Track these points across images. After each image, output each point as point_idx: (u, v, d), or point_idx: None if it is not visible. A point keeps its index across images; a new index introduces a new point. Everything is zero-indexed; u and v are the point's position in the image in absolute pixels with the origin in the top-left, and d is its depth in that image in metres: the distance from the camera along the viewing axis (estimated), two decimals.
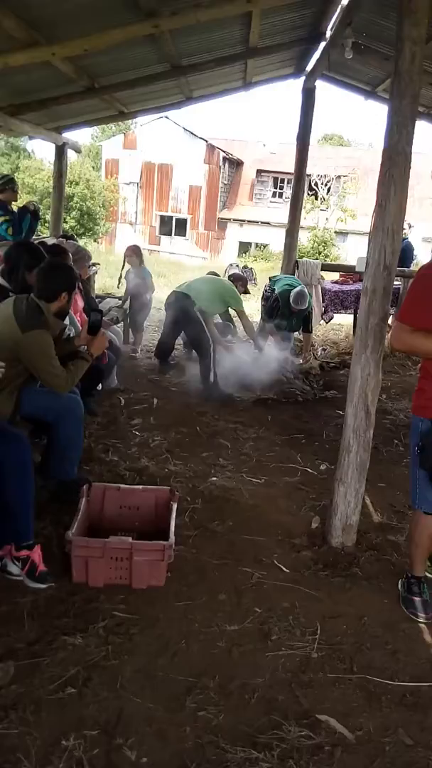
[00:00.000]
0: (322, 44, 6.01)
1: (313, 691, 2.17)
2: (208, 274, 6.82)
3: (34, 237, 5.98)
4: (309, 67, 6.84)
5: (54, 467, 3.21)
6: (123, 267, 6.64)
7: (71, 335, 3.59)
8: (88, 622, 2.38)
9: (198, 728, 1.96)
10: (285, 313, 6.16)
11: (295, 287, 6.09)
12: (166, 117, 26.14)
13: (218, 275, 6.78)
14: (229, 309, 6.06)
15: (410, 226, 8.18)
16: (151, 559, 2.62)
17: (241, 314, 5.81)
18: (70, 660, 2.18)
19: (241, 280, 6.31)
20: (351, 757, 1.90)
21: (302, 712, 2.06)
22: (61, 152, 7.60)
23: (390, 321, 7.84)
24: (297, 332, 6.83)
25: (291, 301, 5.96)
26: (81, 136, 68.97)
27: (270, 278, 6.88)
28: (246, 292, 6.42)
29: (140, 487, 3.21)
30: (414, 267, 9.02)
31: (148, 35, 4.32)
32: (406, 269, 7.73)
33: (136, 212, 29.77)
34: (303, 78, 7.04)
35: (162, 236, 29.70)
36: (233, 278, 6.27)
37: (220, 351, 5.65)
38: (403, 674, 2.30)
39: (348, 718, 2.06)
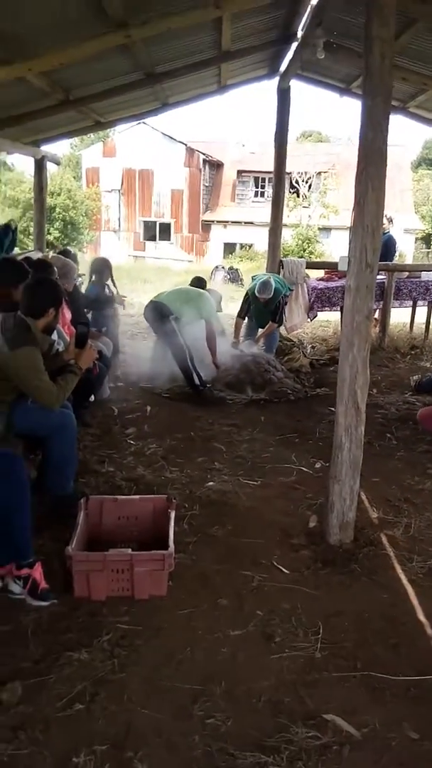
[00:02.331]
0: (294, 45, 6.04)
1: (319, 691, 2.19)
2: (194, 278, 6.84)
3: (19, 252, 5.99)
4: (282, 68, 6.87)
5: (50, 483, 3.21)
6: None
7: (60, 349, 3.60)
8: (93, 636, 2.39)
9: (206, 736, 1.97)
10: (257, 306, 6.24)
11: (263, 279, 6.15)
12: (144, 123, 26.15)
13: (204, 280, 6.77)
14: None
15: (391, 221, 8.22)
16: (152, 569, 2.63)
17: (209, 326, 5.83)
18: (77, 676, 2.18)
19: (216, 297, 6.47)
20: (359, 754, 1.92)
21: (309, 713, 2.08)
22: (40, 165, 7.60)
23: (377, 316, 7.89)
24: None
25: (256, 290, 6.02)
26: (60, 146, 68.88)
27: (252, 277, 6.94)
28: (219, 310, 6.51)
29: (137, 497, 3.23)
30: (397, 260, 9.08)
31: (121, 45, 4.34)
32: (389, 263, 7.78)
33: (119, 219, 29.76)
34: (277, 78, 7.07)
35: (146, 242, 29.71)
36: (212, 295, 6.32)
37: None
38: (406, 668, 2.32)
39: (354, 716, 2.07)
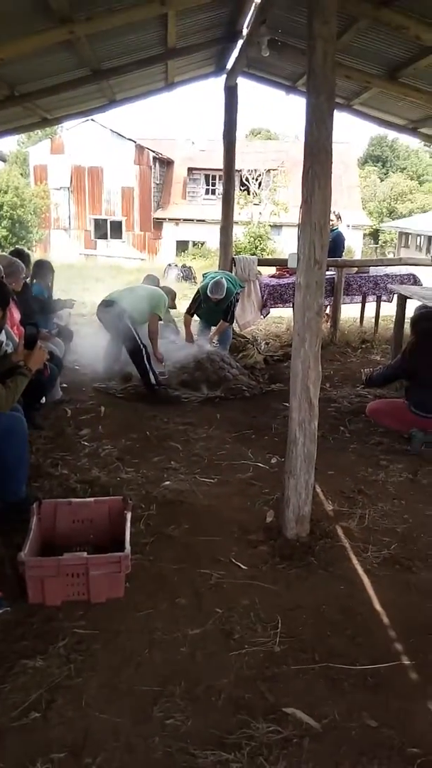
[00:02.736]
0: (240, 42, 6.06)
1: (278, 685, 2.20)
2: (146, 276, 6.79)
3: None
4: (229, 65, 6.88)
5: (1, 489, 3.13)
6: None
7: (9, 351, 3.51)
8: (48, 642, 2.35)
9: (166, 737, 1.96)
10: (209, 305, 6.22)
11: (215, 278, 6.14)
12: (93, 120, 25.84)
13: (156, 279, 6.74)
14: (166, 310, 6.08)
15: (339, 217, 8.34)
16: (108, 572, 2.60)
17: (153, 319, 5.81)
18: (32, 684, 2.14)
19: (171, 294, 6.38)
20: (319, 746, 1.94)
21: (269, 708, 2.09)
22: None
23: (328, 311, 7.99)
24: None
25: (208, 290, 6.01)
26: (6, 142, 67.35)
27: (203, 275, 6.91)
28: (173, 306, 6.52)
29: (92, 499, 3.18)
30: (346, 256, 9.22)
31: (65, 41, 4.26)
32: (339, 259, 7.89)
33: (69, 217, 29.32)
34: (224, 76, 7.07)
35: (98, 240, 29.37)
36: (165, 291, 6.27)
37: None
38: (363, 658, 2.36)
39: (314, 708, 2.10)
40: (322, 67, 2.74)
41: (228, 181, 7.65)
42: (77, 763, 1.85)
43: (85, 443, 4.35)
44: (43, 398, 4.61)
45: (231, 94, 7.09)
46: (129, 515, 2.93)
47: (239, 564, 2.97)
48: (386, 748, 1.95)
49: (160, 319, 5.92)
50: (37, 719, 2.00)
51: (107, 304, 5.72)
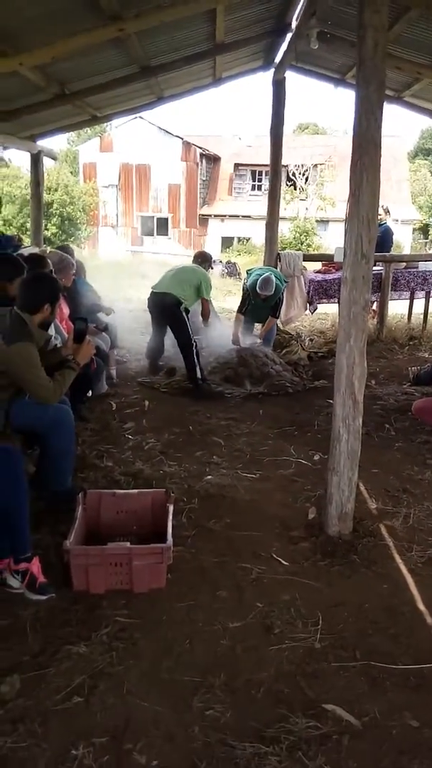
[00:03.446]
0: (289, 35, 6.01)
1: (318, 681, 2.19)
2: (196, 253, 6.72)
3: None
4: (277, 59, 6.84)
5: (48, 478, 3.21)
6: None
7: (58, 345, 3.59)
8: (92, 629, 2.39)
9: (206, 727, 1.97)
10: (257, 302, 6.15)
11: (263, 275, 6.08)
12: (141, 117, 26.08)
13: (207, 255, 6.65)
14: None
15: (387, 211, 8.19)
16: (150, 563, 2.63)
17: (205, 302, 5.85)
18: (76, 669, 2.19)
19: (206, 260, 6.32)
20: (359, 743, 1.93)
21: (308, 703, 2.08)
22: (36, 161, 7.57)
23: (375, 307, 7.88)
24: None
25: (257, 287, 5.95)
26: (57, 141, 68.63)
27: (247, 271, 6.88)
28: (211, 267, 6.55)
29: (135, 491, 3.22)
30: (394, 251, 9.05)
31: (114, 38, 4.31)
32: (387, 254, 7.76)
33: (116, 215, 29.69)
34: (272, 70, 7.04)
35: (144, 237, 29.64)
36: (200, 259, 6.23)
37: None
38: (405, 657, 2.32)
39: (354, 705, 2.08)
40: (373, 57, 2.70)
41: (274, 175, 7.61)
42: (118, 748, 1.89)
43: (130, 436, 4.41)
44: (90, 391, 4.69)
45: (279, 88, 7.05)
46: (171, 508, 2.96)
47: (280, 560, 2.96)
48: (427, 748, 1.92)
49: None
50: (80, 704, 2.04)
51: (160, 297, 5.66)
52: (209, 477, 3.80)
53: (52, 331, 3.66)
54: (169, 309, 5.57)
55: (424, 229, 38.08)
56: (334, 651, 2.35)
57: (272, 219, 7.61)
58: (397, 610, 2.62)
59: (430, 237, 38.21)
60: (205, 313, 5.86)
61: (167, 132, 28.34)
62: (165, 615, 2.51)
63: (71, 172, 30.59)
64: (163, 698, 2.09)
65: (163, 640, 2.37)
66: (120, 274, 13.93)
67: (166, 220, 29.60)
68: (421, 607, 2.64)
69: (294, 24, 5.78)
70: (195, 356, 5.49)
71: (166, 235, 29.58)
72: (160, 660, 2.27)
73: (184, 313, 5.53)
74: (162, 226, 29.66)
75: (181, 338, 5.57)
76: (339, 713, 2.04)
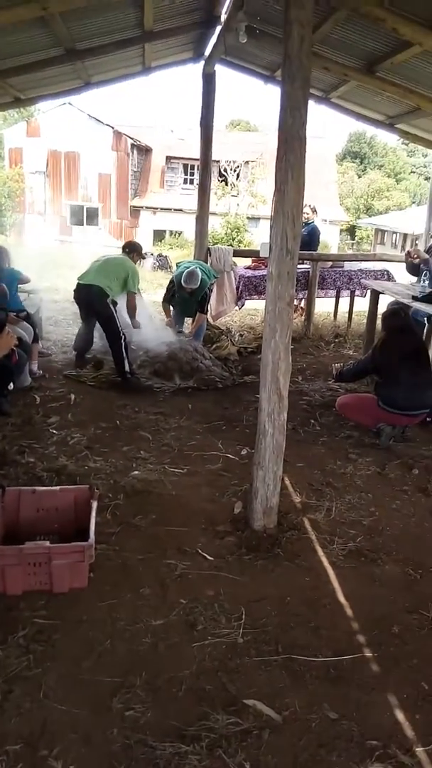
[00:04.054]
0: (218, 28, 5.98)
1: (240, 677, 2.19)
2: (125, 243, 6.51)
3: None
4: (207, 52, 6.79)
5: None
6: None
7: None
8: (7, 632, 2.31)
9: (125, 728, 1.94)
10: (182, 295, 6.11)
11: (189, 268, 6.06)
12: (70, 104, 25.43)
13: (136, 245, 6.42)
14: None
15: (314, 210, 8.32)
16: (71, 562, 2.56)
17: (131, 296, 5.68)
18: None
19: (135, 250, 6.15)
20: (279, 737, 1.94)
21: (230, 699, 2.08)
22: None
23: (302, 305, 7.97)
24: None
25: (182, 280, 5.92)
26: None
27: (177, 264, 6.83)
28: (142, 257, 6.49)
29: (57, 487, 3.13)
30: (321, 250, 9.22)
31: (39, 18, 4.15)
32: (314, 253, 7.89)
33: (44, 202, 28.84)
34: (202, 63, 6.99)
35: (73, 226, 28.97)
36: (128, 249, 6.08)
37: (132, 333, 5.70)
38: (326, 650, 2.36)
39: (275, 700, 2.09)
40: (298, 53, 2.71)
41: (205, 169, 7.58)
42: (33, 755, 1.82)
43: (54, 431, 4.29)
44: (11, 384, 4.53)
45: (209, 81, 7.01)
46: (95, 504, 2.89)
47: (205, 555, 2.96)
48: (345, 740, 1.96)
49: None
50: None
51: (84, 286, 5.52)
52: (136, 472, 3.75)
53: None
54: (95, 301, 5.44)
55: (351, 231, 39.19)
56: (257, 645, 2.36)
57: (202, 212, 7.57)
58: (318, 602, 2.66)
59: (356, 238, 39.37)
60: (131, 307, 5.72)
61: (97, 120, 27.75)
62: (86, 615, 2.45)
63: None
64: (81, 700, 2.04)
65: (83, 641, 2.31)
66: (47, 263, 13.52)
67: (96, 210, 29.02)
68: (342, 599, 2.70)
69: (223, 17, 5.75)
70: (123, 349, 5.39)
71: (96, 225, 29.01)
72: (80, 661, 2.21)
73: (111, 306, 5.42)
74: (92, 216, 29.05)
75: (109, 331, 5.47)
76: (260, 708, 2.05)
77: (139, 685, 2.12)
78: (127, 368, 5.39)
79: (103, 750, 1.86)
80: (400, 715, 2.07)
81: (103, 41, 5.38)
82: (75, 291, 5.67)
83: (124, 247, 6.20)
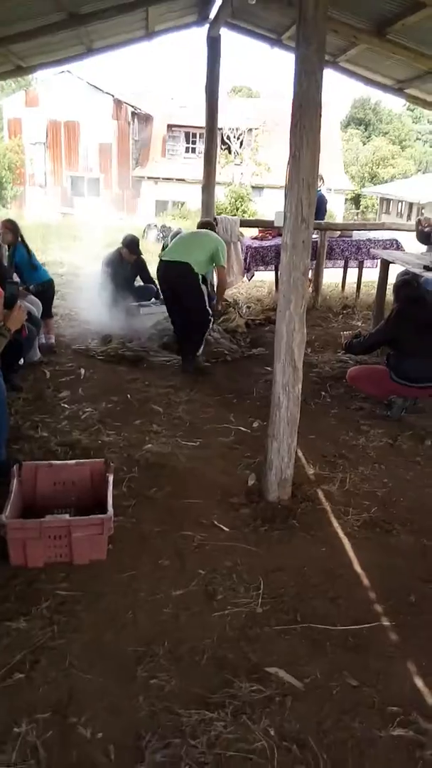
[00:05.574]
0: None
1: (261, 645, 2.22)
2: (200, 222, 6.22)
3: None
4: (212, 15, 6.62)
5: None
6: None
7: None
8: (31, 604, 2.34)
9: (151, 696, 1.97)
10: None
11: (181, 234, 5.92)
12: (69, 72, 24.89)
13: (212, 224, 6.20)
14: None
15: (322, 179, 8.19)
16: (90, 534, 2.58)
17: (221, 270, 5.32)
18: (16, 645, 2.13)
19: (210, 224, 6.03)
20: (301, 704, 1.97)
21: (252, 667, 2.11)
22: None
23: (310, 276, 7.94)
24: None
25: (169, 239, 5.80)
26: None
27: None
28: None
29: (73, 461, 3.14)
30: (328, 219, 9.11)
31: None
32: (322, 222, 7.79)
33: (45, 173, 28.47)
34: (207, 26, 6.81)
35: (75, 197, 28.62)
36: (207, 228, 5.76)
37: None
38: (344, 618, 2.39)
39: (296, 668, 2.12)
40: (314, 15, 2.63)
41: (210, 137, 7.43)
42: (62, 722, 1.86)
43: (65, 405, 4.29)
44: (22, 359, 4.52)
45: (214, 45, 6.85)
46: (111, 477, 2.91)
47: (221, 526, 2.98)
48: (366, 707, 1.99)
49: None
50: (21, 680, 2.00)
51: (172, 264, 5.00)
52: (149, 446, 3.76)
53: None
54: (185, 280, 4.95)
55: (355, 199, 38.64)
56: (276, 615, 2.39)
57: (209, 182, 7.47)
58: (335, 572, 2.68)
59: (361, 207, 38.84)
60: (222, 282, 5.30)
61: (97, 88, 27.20)
62: (107, 587, 2.48)
63: None
64: (106, 670, 2.07)
65: (106, 612, 2.34)
66: (50, 236, 13.41)
67: (97, 180, 28.65)
68: (358, 569, 2.72)
69: None
70: (204, 335, 5.18)
71: (98, 195, 28.66)
72: (103, 632, 2.24)
73: (202, 285, 5.04)
74: (93, 186, 28.69)
75: (197, 313, 5.06)
76: (281, 676, 2.08)
77: (162, 654, 2.15)
78: (199, 352, 5.29)
79: (130, 717, 1.89)
80: (419, 682, 2.10)
81: (106, 5, 5.23)
82: (159, 270, 5.18)
83: (200, 226, 5.93)
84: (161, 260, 5.16)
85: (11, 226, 5.36)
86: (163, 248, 5.90)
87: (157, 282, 5.65)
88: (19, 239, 5.32)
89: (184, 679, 2.05)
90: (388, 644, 2.28)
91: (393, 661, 2.19)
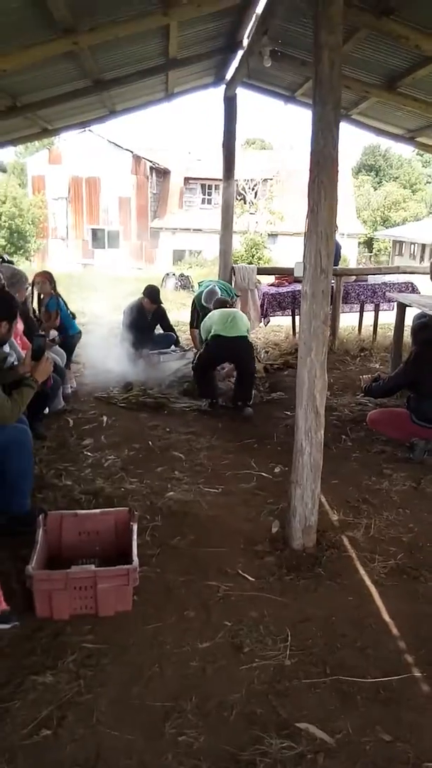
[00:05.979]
0: (240, 52, 6.09)
1: (290, 700, 2.18)
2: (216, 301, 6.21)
3: None
4: (228, 76, 6.91)
5: (6, 501, 3.11)
6: (33, 294, 5.60)
7: (15, 363, 3.49)
8: (57, 657, 2.32)
9: (180, 754, 1.93)
10: (206, 314, 6.12)
11: (209, 287, 6.11)
12: (90, 130, 25.93)
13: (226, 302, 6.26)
14: None
15: (336, 226, 8.36)
16: (116, 585, 2.57)
17: None
18: (42, 700, 2.11)
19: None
20: (333, 761, 1.92)
21: (282, 723, 2.07)
22: None
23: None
24: None
25: (202, 300, 5.98)
26: (5, 153, 67.43)
27: (198, 284, 6.91)
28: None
29: (98, 510, 3.15)
30: (342, 264, 9.23)
31: (68, 52, 4.27)
32: (337, 267, 7.91)
33: (66, 227, 29.37)
34: (223, 86, 7.11)
35: (95, 249, 29.41)
36: (220, 305, 5.90)
37: None
38: (374, 670, 2.33)
39: (327, 723, 2.07)
40: (329, 77, 2.75)
41: (227, 190, 7.66)
42: None
43: (88, 453, 4.33)
44: (47, 408, 4.59)
45: (230, 104, 7.13)
46: (135, 527, 2.91)
47: (246, 575, 2.95)
48: (401, 763, 1.93)
49: None
50: (48, 737, 1.97)
51: (233, 339, 5.39)
52: (171, 493, 3.76)
53: (6, 348, 3.57)
54: (245, 349, 5.48)
55: (368, 243, 39.16)
56: (304, 667, 2.34)
57: (226, 231, 7.66)
58: (363, 622, 2.63)
59: (374, 250, 39.32)
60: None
61: (117, 145, 28.29)
62: (132, 639, 2.46)
63: (19, 185, 30.13)
64: (134, 726, 2.04)
65: (132, 665, 2.32)
66: (72, 287, 13.74)
67: (117, 232, 29.46)
68: (386, 618, 2.67)
69: (245, 42, 5.86)
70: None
71: (118, 247, 29.42)
72: (130, 686, 2.21)
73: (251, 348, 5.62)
74: (113, 238, 29.50)
75: (249, 369, 5.52)
76: (312, 731, 2.03)
77: (189, 709, 2.11)
78: (251, 397, 5.54)
79: None
80: None
81: (129, 71, 5.50)
82: (218, 343, 5.41)
83: (221, 305, 6.01)
84: (220, 335, 5.39)
85: (49, 277, 5.56)
86: (200, 305, 6.19)
87: (200, 346, 5.97)
88: (53, 290, 5.50)
89: (213, 735, 2.01)
90: (420, 696, 2.22)
91: (426, 713, 2.13)
